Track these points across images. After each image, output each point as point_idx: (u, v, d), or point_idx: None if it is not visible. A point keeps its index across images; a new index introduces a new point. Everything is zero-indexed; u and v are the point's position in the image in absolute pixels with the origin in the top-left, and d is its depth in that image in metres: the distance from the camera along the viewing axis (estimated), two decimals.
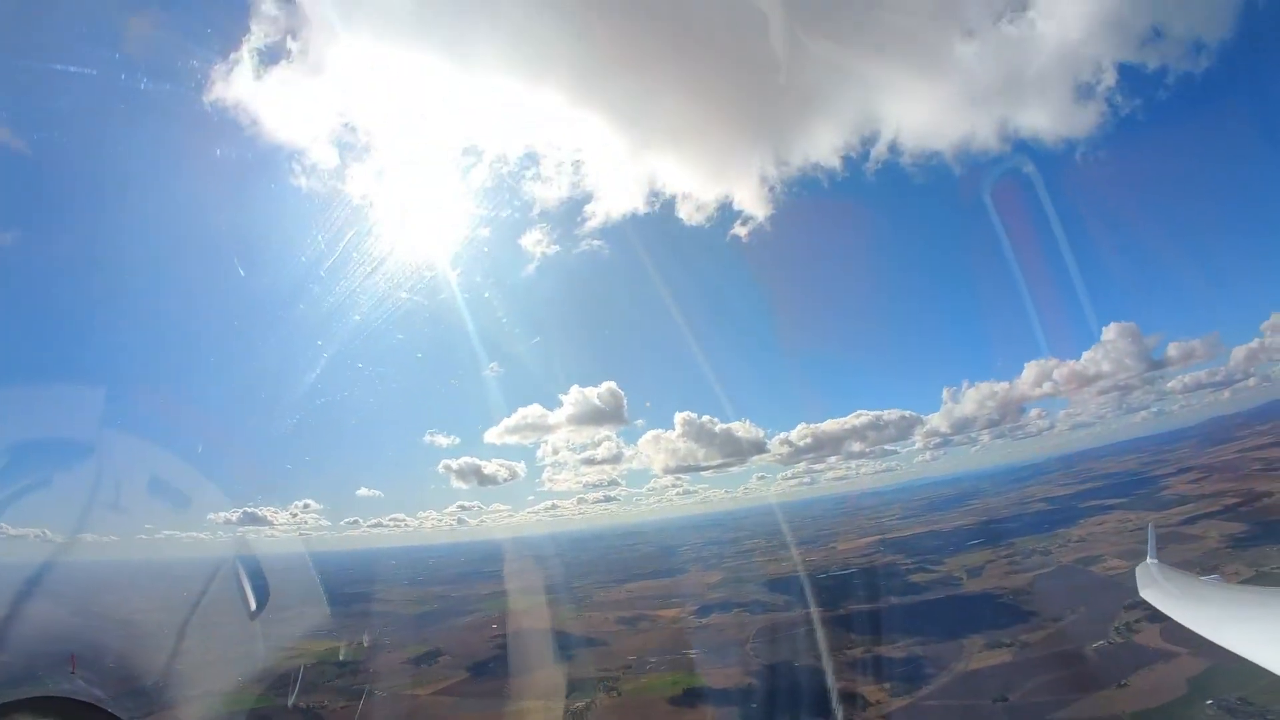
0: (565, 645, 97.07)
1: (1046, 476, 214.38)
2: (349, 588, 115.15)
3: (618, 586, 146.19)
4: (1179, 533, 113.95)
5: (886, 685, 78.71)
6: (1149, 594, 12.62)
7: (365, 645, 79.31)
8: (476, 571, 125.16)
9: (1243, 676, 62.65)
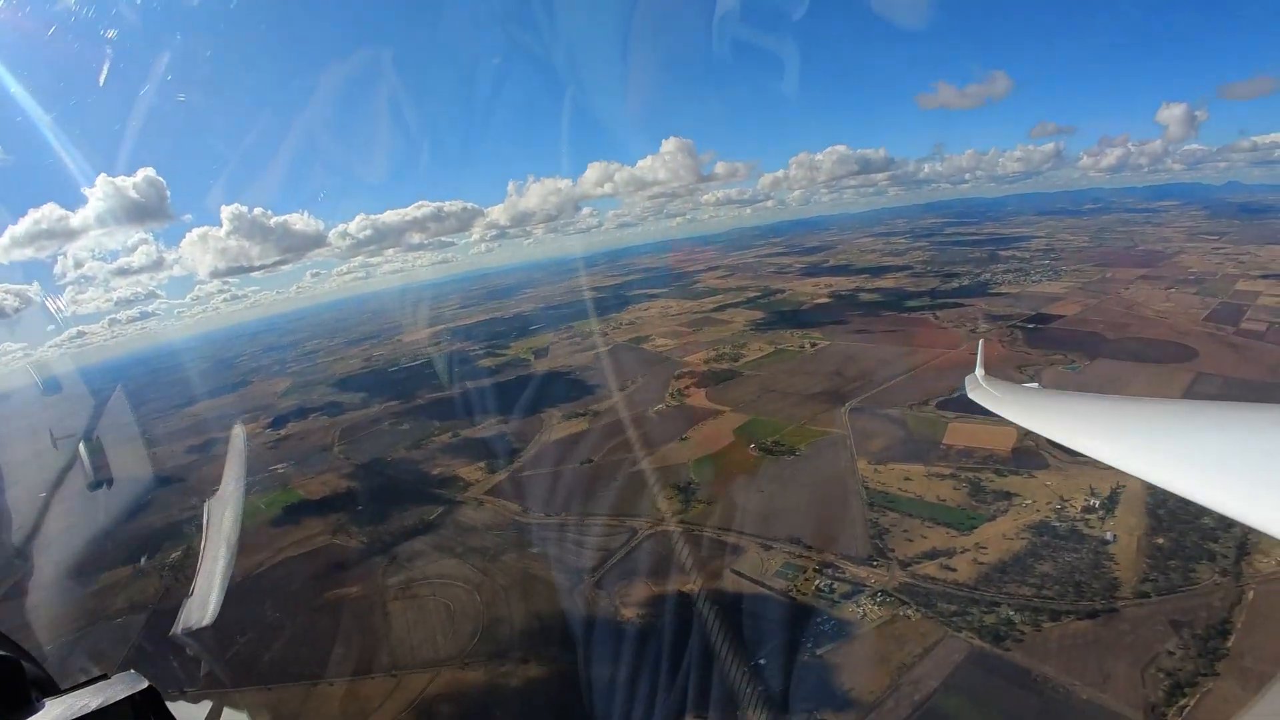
0: (134, 491, 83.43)
1: (595, 269, 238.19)
2: None
3: (177, 413, 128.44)
4: (712, 318, 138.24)
5: (481, 464, 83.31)
6: (976, 396, 14.62)
7: None
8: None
9: (774, 425, 78.80)
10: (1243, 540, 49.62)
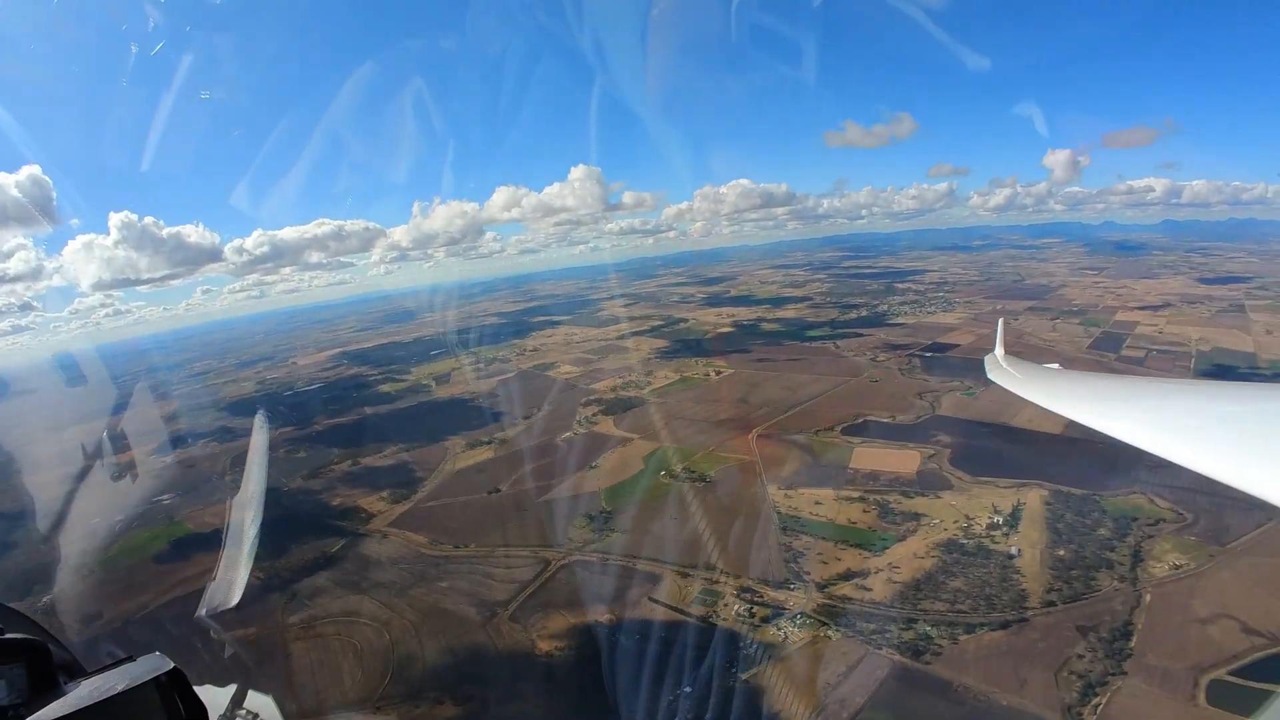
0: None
1: (496, 294, 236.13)
2: None
3: (54, 437, 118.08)
4: (617, 346, 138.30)
5: (384, 494, 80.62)
6: (995, 376, 14.82)
7: None
8: None
9: (684, 452, 79.04)
10: (1137, 548, 52.81)
